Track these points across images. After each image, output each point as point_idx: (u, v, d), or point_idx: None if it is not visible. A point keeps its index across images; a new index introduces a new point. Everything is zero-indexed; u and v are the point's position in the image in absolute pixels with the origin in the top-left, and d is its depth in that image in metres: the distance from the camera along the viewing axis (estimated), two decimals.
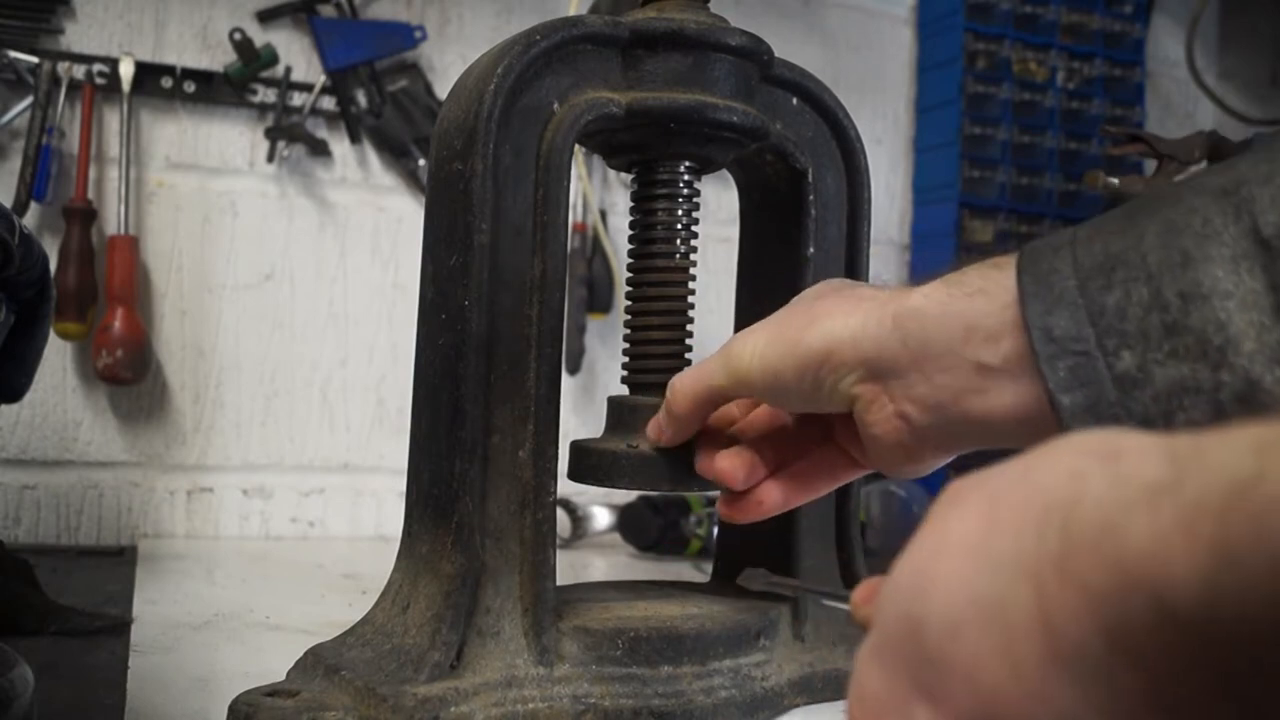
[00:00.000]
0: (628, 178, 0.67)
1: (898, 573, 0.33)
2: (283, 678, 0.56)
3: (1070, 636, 0.25)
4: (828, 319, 0.48)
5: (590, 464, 0.61)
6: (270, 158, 1.12)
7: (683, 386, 0.55)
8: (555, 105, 0.57)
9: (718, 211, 1.27)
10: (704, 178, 0.65)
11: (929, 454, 0.48)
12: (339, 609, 0.79)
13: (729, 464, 0.55)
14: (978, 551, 0.29)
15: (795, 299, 0.53)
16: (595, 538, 1.16)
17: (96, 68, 1.05)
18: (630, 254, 0.64)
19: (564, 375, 0.89)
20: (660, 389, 0.63)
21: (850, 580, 0.67)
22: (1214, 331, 0.37)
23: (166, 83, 1.08)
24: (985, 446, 0.46)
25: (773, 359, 0.49)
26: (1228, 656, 0.22)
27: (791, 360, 0.49)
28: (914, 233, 1.45)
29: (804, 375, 0.48)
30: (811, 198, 0.65)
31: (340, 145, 1.16)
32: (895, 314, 0.46)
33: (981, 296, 0.44)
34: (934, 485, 1.27)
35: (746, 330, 0.52)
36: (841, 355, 0.47)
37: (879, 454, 0.50)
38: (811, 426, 0.55)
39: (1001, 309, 0.43)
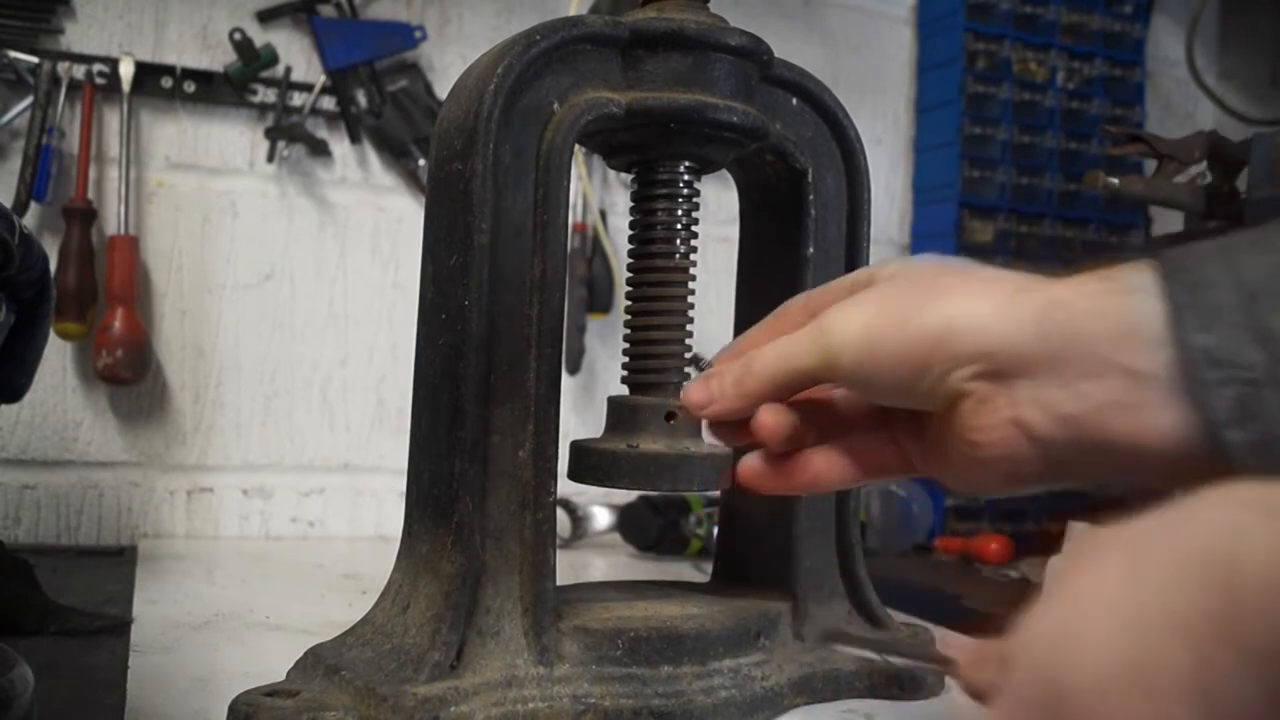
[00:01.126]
0: (628, 178, 0.67)
1: (1032, 631, 0.31)
2: (283, 678, 0.56)
3: (1230, 700, 0.24)
4: (950, 298, 0.41)
5: (590, 464, 0.60)
6: (270, 158, 1.12)
7: (763, 366, 0.47)
8: (555, 105, 0.57)
9: (718, 211, 1.27)
10: (704, 178, 0.65)
11: (1036, 475, 0.41)
12: (339, 609, 0.79)
13: (773, 419, 0.47)
14: (1122, 609, 0.27)
15: (903, 269, 0.46)
16: (595, 538, 1.16)
17: (96, 68, 1.05)
18: (630, 254, 0.64)
19: (564, 375, 0.89)
20: (660, 389, 0.63)
21: (852, 585, 0.67)
22: None
23: (166, 83, 1.08)
24: (1113, 478, 0.40)
25: (877, 336, 0.42)
26: None
27: (897, 340, 0.42)
28: (914, 233, 1.45)
29: (907, 359, 0.41)
30: (811, 198, 0.65)
31: (340, 145, 1.16)
32: (1040, 304, 0.40)
33: (1142, 295, 0.37)
34: (937, 496, 1.27)
35: (847, 302, 0.45)
36: (960, 343, 0.40)
37: (966, 465, 0.43)
38: (865, 406, 0.49)
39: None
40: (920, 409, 0.44)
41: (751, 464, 0.51)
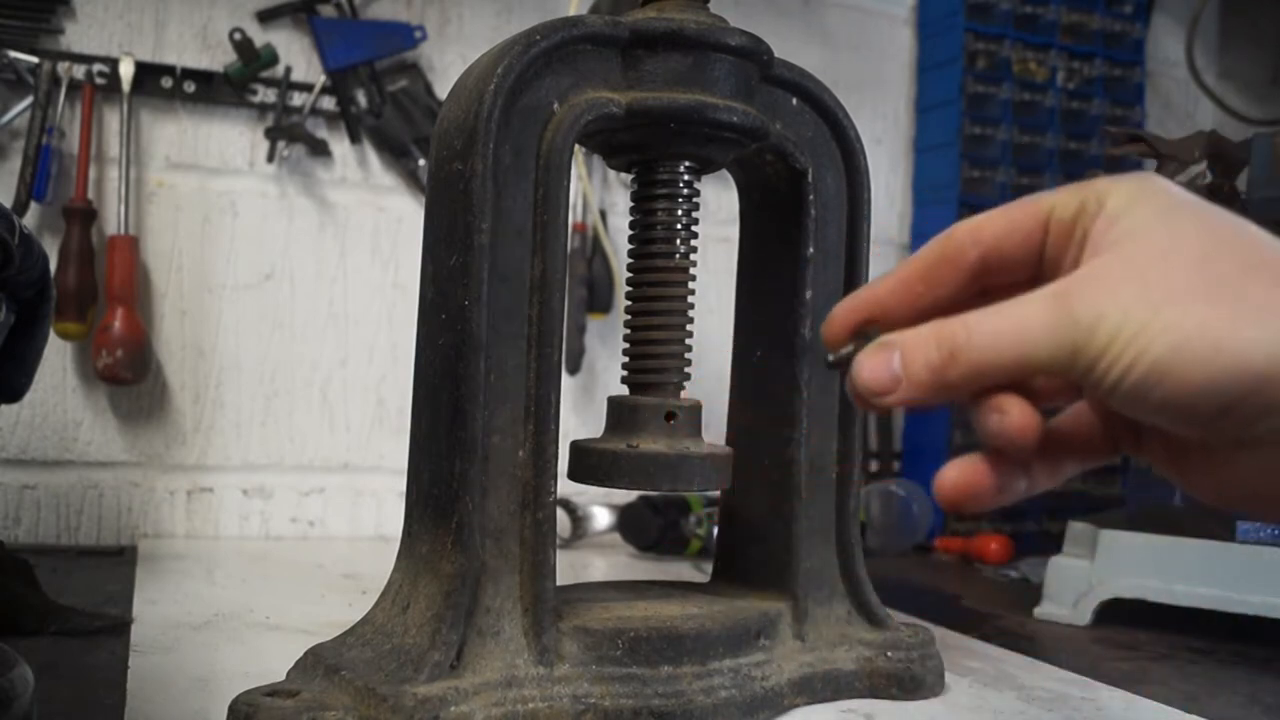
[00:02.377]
0: (628, 178, 0.67)
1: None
2: (283, 678, 0.56)
3: None
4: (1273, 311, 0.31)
5: (590, 464, 0.61)
6: (270, 158, 1.12)
7: (978, 350, 0.35)
8: (555, 105, 0.57)
9: (718, 211, 1.28)
10: (704, 178, 0.65)
11: None
12: (339, 609, 0.79)
13: (1022, 415, 0.36)
14: None
15: (1179, 231, 0.34)
16: (595, 538, 1.16)
17: (96, 68, 1.05)
18: (630, 254, 0.64)
19: (564, 375, 0.89)
20: (660, 389, 0.63)
21: (852, 585, 0.67)
22: None
23: (166, 83, 1.08)
24: None
25: (1176, 359, 0.31)
26: None
27: (1204, 372, 0.31)
28: (914, 233, 1.45)
29: (1212, 395, 0.31)
30: (811, 198, 0.65)
31: (340, 145, 1.16)
32: None
33: None
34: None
35: (1101, 273, 0.34)
36: None
37: (1233, 488, 0.36)
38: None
39: None
40: (1194, 436, 0.34)
41: (969, 472, 0.38)
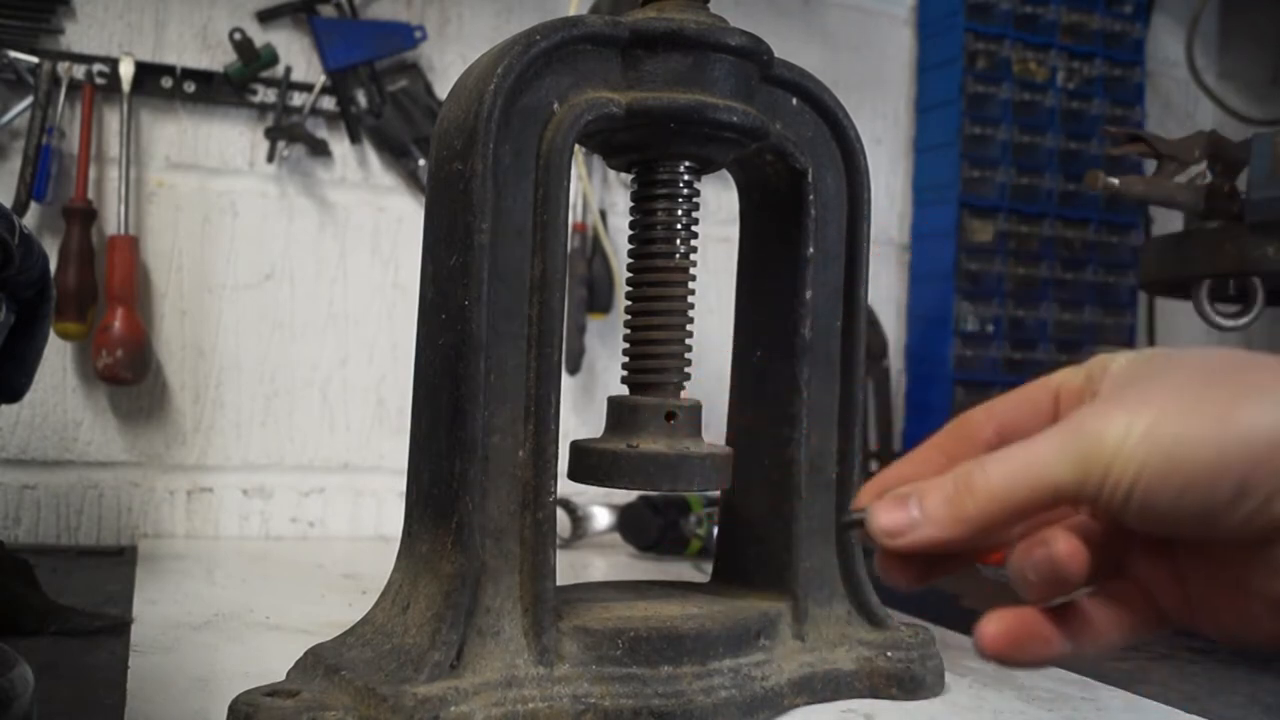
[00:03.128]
0: (628, 178, 0.67)
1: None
2: (283, 678, 0.56)
3: None
4: (1276, 394, 0.32)
5: (590, 464, 0.61)
6: (270, 158, 1.12)
7: (993, 482, 0.35)
8: (555, 105, 0.57)
9: (718, 211, 1.27)
10: (704, 178, 0.65)
11: None
12: (339, 609, 0.79)
13: (1074, 548, 0.35)
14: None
15: (1148, 362, 0.37)
16: (595, 538, 1.16)
17: (96, 68, 1.05)
18: (630, 254, 0.64)
19: (564, 375, 0.89)
20: (660, 389, 0.63)
21: (852, 585, 0.67)
22: None
23: (166, 83, 1.08)
24: None
25: (1181, 444, 0.32)
26: None
27: (1211, 450, 0.32)
28: (914, 233, 1.45)
29: (1225, 476, 0.31)
30: (811, 198, 0.65)
31: (340, 145, 1.16)
32: None
33: None
34: None
35: (1106, 402, 0.36)
36: None
37: (1256, 614, 0.35)
38: (1103, 536, 0.37)
39: None
40: (1211, 540, 0.34)
41: (1014, 622, 0.36)
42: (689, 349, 0.64)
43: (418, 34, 1.17)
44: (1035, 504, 0.35)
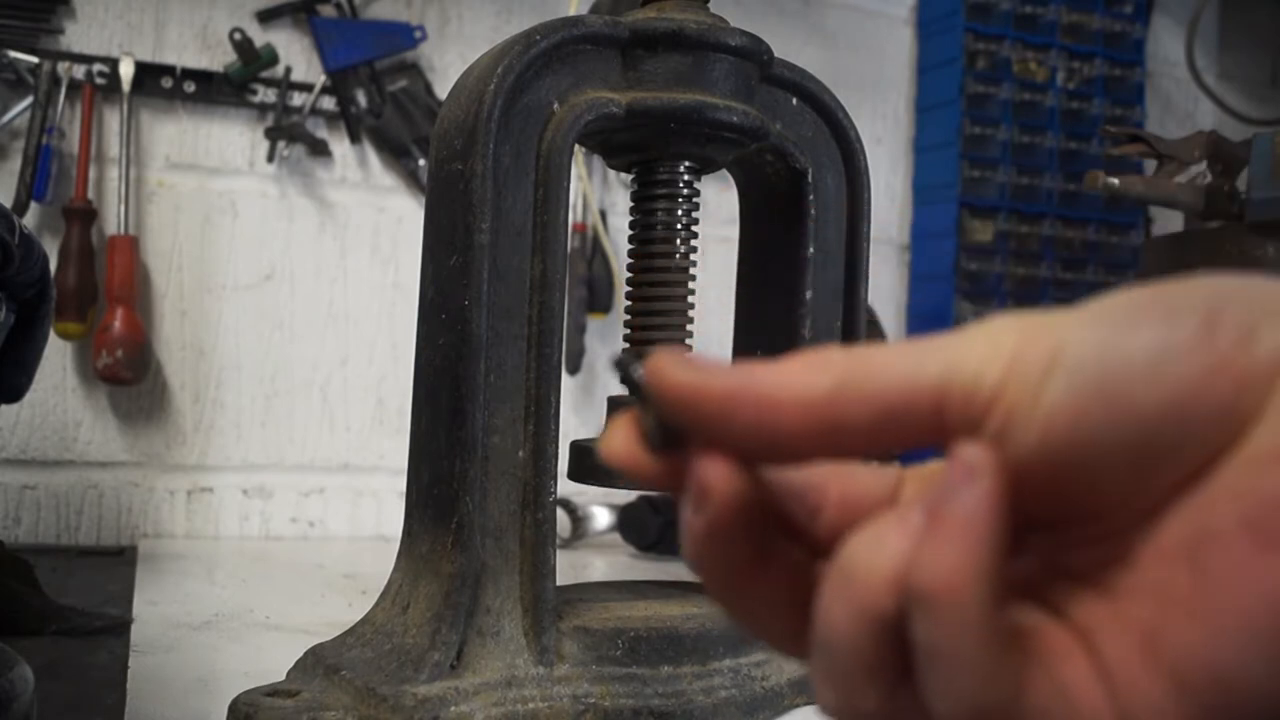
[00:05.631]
0: (628, 178, 0.67)
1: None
2: (283, 678, 0.56)
3: None
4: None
5: (590, 464, 0.61)
6: (270, 158, 1.12)
7: (864, 378, 0.23)
8: (555, 105, 0.57)
9: (718, 211, 1.27)
10: (704, 178, 0.65)
11: None
12: (339, 609, 0.79)
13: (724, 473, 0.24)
14: None
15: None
16: (595, 538, 1.16)
17: (96, 68, 1.05)
18: (630, 254, 0.64)
19: (564, 375, 0.89)
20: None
21: None
22: None
23: (166, 83, 1.08)
24: None
25: (1115, 350, 0.21)
26: None
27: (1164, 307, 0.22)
28: (914, 233, 1.45)
29: (1190, 314, 0.21)
30: (811, 198, 0.65)
31: (340, 145, 1.16)
32: None
33: None
34: None
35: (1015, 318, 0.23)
36: None
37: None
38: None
39: None
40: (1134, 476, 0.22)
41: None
42: (689, 349, 0.64)
43: (418, 34, 1.17)
44: (892, 417, 0.23)
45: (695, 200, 0.64)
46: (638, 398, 0.25)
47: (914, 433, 0.23)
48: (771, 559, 0.25)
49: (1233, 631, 0.20)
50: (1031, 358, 0.22)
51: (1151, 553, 0.22)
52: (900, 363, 0.23)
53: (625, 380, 0.25)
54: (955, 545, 0.21)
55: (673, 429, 0.24)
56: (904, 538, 0.22)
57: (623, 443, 0.25)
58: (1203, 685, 0.21)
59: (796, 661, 0.25)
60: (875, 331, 1.36)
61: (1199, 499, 0.21)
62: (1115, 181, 0.94)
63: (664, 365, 0.24)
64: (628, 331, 0.64)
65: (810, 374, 0.23)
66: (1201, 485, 0.21)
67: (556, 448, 0.56)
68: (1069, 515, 0.23)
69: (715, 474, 0.23)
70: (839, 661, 0.23)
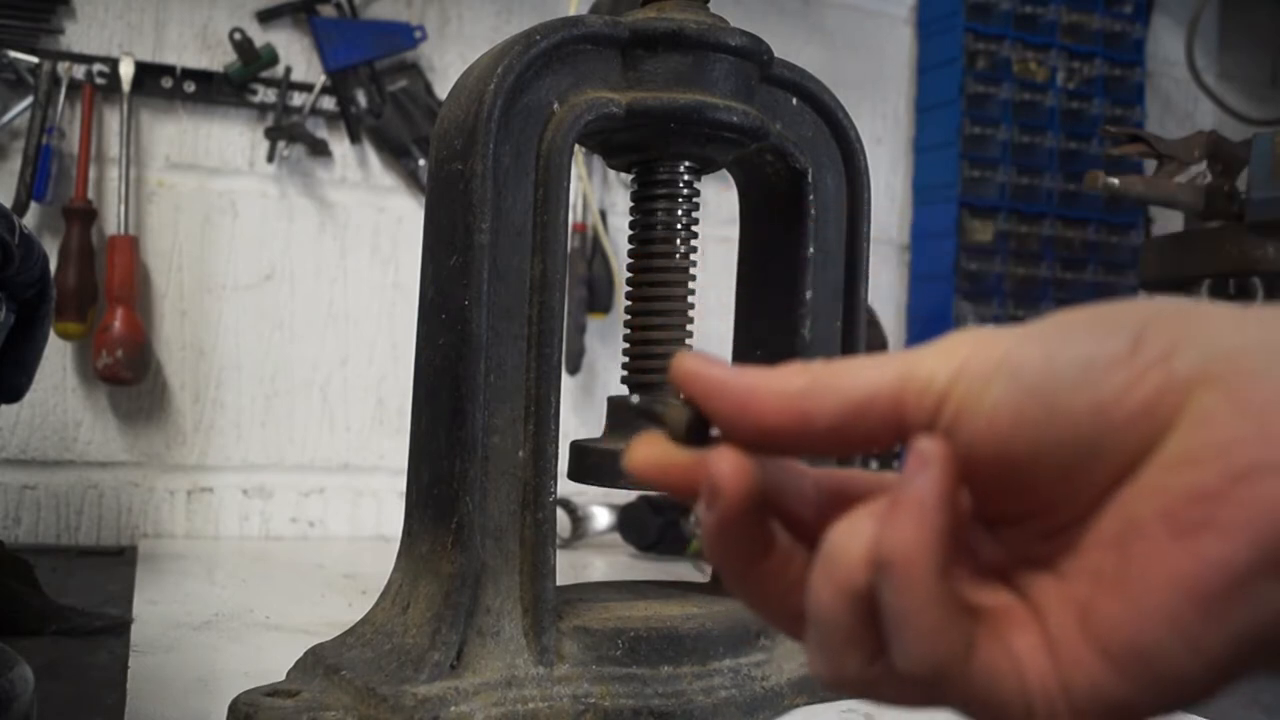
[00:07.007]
0: (628, 178, 0.67)
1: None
2: (283, 678, 0.56)
3: None
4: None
5: (590, 464, 0.61)
6: (270, 158, 1.12)
7: (830, 386, 0.27)
8: (555, 105, 0.57)
9: (718, 211, 1.27)
10: (704, 178, 0.65)
11: None
12: (339, 609, 0.79)
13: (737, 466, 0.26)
14: None
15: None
16: (595, 538, 1.16)
17: (96, 68, 1.05)
18: (630, 254, 0.64)
19: (564, 375, 0.89)
20: (660, 389, 0.63)
21: None
22: None
23: (166, 83, 1.08)
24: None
25: (1046, 349, 0.25)
26: None
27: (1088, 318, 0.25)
28: (914, 233, 1.45)
29: (1121, 326, 0.24)
30: (811, 198, 0.65)
31: (340, 145, 1.16)
32: None
33: None
34: None
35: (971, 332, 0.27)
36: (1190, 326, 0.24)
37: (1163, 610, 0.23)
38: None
39: None
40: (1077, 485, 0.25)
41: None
42: (689, 349, 0.64)
43: (418, 34, 1.17)
44: (861, 417, 0.26)
45: (695, 200, 0.64)
46: (663, 425, 0.30)
47: (879, 428, 0.27)
48: (776, 551, 0.28)
49: (1151, 610, 0.23)
50: (980, 362, 0.25)
51: (1092, 540, 0.25)
52: (866, 367, 0.27)
53: (653, 418, 0.31)
54: (909, 521, 0.24)
55: (703, 421, 0.29)
56: (875, 523, 0.25)
57: (649, 447, 0.30)
58: (1127, 658, 0.23)
59: (801, 647, 0.28)
60: (875, 331, 1.36)
61: (1127, 494, 0.24)
62: (1115, 181, 0.94)
63: (696, 361, 0.30)
64: (628, 331, 0.64)
65: (789, 374, 0.28)
66: (1130, 483, 0.24)
67: (556, 448, 0.56)
68: (1026, 510, 0.26)
69: (726, 468, 0.27)
70: (825, 634, 0.26)
